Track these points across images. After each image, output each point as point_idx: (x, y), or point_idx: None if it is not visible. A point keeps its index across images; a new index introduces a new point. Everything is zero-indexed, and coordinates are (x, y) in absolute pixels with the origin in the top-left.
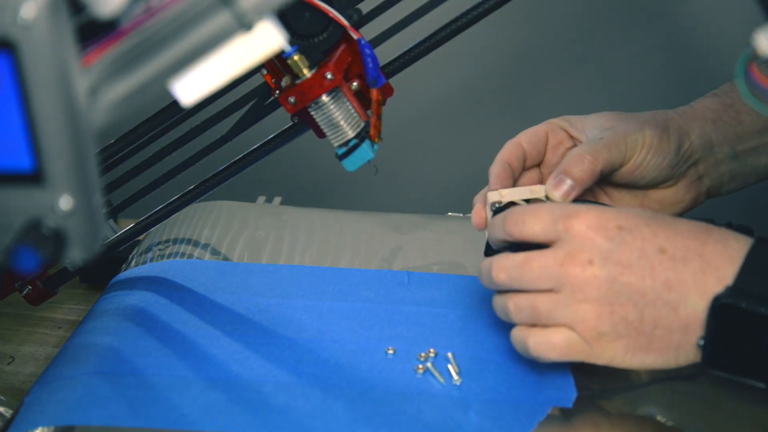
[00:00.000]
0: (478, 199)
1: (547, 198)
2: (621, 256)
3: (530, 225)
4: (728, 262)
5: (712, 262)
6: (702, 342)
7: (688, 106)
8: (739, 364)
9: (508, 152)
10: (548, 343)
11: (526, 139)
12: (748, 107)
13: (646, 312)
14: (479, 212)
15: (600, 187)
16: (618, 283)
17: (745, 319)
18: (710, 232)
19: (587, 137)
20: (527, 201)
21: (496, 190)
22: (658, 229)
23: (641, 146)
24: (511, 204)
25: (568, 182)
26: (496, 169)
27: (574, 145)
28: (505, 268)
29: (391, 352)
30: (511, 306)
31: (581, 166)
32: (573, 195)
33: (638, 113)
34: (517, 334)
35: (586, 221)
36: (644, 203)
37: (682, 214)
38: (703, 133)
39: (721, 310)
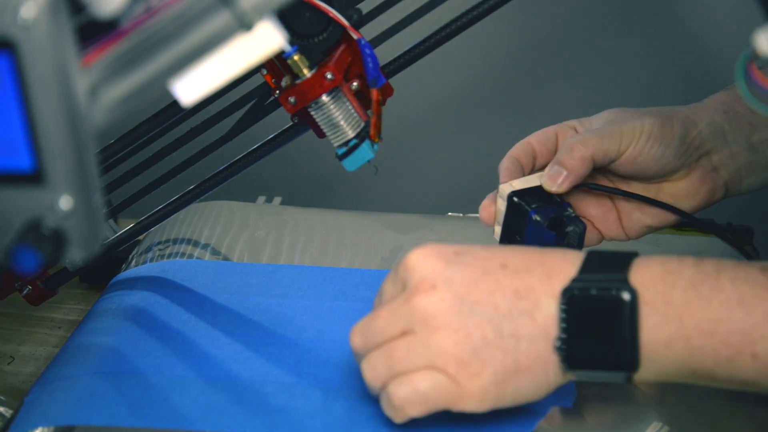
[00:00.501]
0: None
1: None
2: (464, 276)
3: (385, 285)
4: (569, 265)
5: (555, 267)
6: (558, 343)
7: (699, 102)
8: (598, 357)
9: (518, 149)
10: (414, 392)
11: (535, 139)
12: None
13: (503, 326)
14: (487, 207)
15: (610, 180)
16: (467, 302)
17: (597, 306)
18: (547, 250)
19: None
20: (539, 189)
21: (506, 182)
22: (495, 250)
23: (639, 134)
24: (523, 192)
25: (561, 172)
26: (505, 163)
27: None
28: (358, 330)
29: None
30: (366, 368)
31: (571, 153)
32: (567, 184)
33: (645, 108)
34: (382, 400)
35: (422, 252)
36: (659, 197)
37: (699, 208)
38: (712, 122)
39: (572, 301)
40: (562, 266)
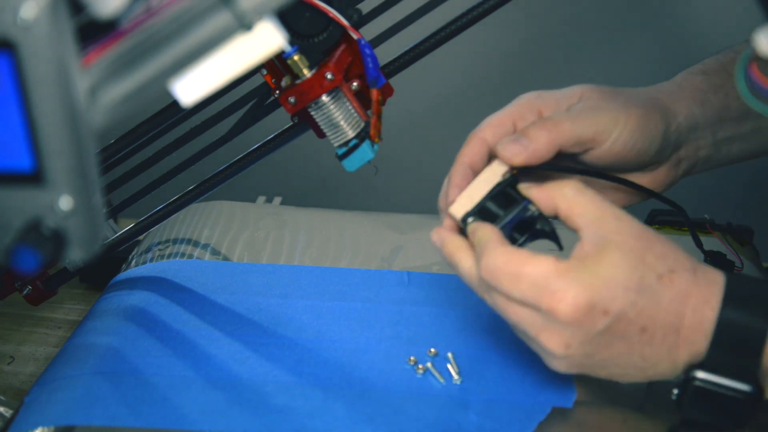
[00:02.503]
0: (441, 209)
1: (509, 176)
2: (602, 339)
3: (511, 291)
4: (702, 337)
5: (688, 337)
6: (674, 398)
7: (673, 82)
8: (710, 420)
9: (471, 152)
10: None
11: (490, 133)
12: (737, 91)
13: (614, 372)
14: (449, 237)
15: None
16: (592, 359)
17: (716, 398)
18: (689, 299)
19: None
20: (494, 194)
21: (455, 201)
22: (642, 308)
23: (623, 126)
24: (483, 209)
25: (521, 142)
26: (456, 178)
27: None
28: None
29: (412, 362)
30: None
31: (539, 131)
32: (522, 158)
33: (621, 89)
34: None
35: (574, 307)
36: (618, 187)
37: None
38: (690, 114)
39: (688, 386)
40: (695, 337)
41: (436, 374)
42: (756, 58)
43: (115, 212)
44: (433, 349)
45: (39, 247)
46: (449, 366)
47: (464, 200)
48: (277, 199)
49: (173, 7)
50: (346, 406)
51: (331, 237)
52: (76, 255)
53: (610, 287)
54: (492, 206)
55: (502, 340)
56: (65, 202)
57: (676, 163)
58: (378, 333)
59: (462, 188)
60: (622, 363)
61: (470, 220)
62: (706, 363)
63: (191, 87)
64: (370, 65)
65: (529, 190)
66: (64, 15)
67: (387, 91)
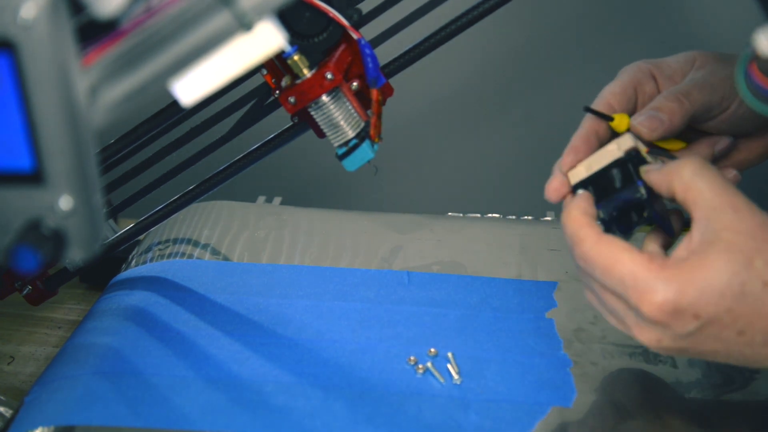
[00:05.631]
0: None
1: (633, 153)
2: (694, 339)
3: (604, 277)
4: None
5: None
6: None
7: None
8: None
9: (591, 121)
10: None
11: (614, 100)
12: (737, 91)
13: (716, 359)
14: (558, 188)
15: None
16: (688, 352)
17: None
18: None
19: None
20: (610, 168)
21: (572, 167)
22: (740, 314)
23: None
24: (595, 182)
25: (658, 117)
26: (576, 140)
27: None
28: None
29: (412, 362)
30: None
31: (671, 104)
32: (659, 132)
33: (729, 54)
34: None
35: (659, 310)
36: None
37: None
38: None
39: None
40: None
41: (436, 374)
42: (756, 58)
43: (115, 212)
44: (433, 349)
45: (39, 247)
46: (449, 366)
47: (582, 168)
48: (277, 199)
49: (173, 7)
50: (346, 406)
51: (331, 237)
52: (76, 255)
53: (704, 293)
54: (605, 181)
55: (502, 340)
56: (65, 202)
57: None
58: (378, 333)
59: (578, 151)
60: (722, 358)
61: (580, 191)
62: None
63: (191, 87)
64: (370, 65)
65: (648, 171)
66: (64, 15)
67: (387, 91)
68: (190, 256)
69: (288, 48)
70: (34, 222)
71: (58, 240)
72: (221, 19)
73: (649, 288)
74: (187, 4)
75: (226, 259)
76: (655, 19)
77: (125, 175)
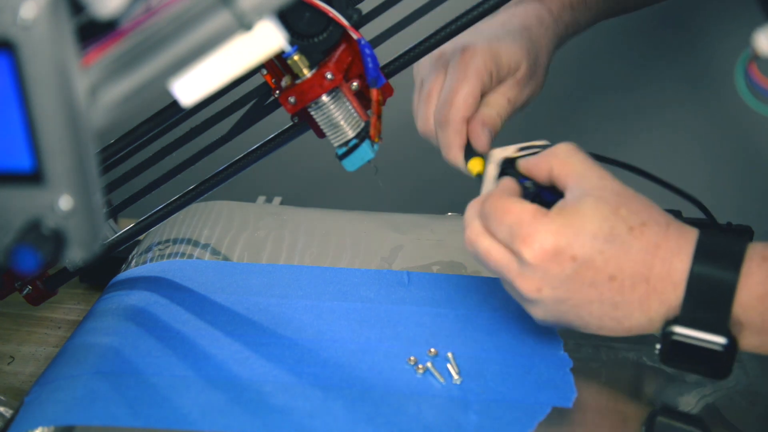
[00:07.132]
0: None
1: (500, 161)
2: (571, 285)
3: (496, 229)
4: (671, 287)
5: (657, 287)
6: (657, 353)
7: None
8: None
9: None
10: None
11: (468, 111)
12: (737, 91)
13: (590, 322)
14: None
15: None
16: (565, 304)
17: (692, 349)
18: (658, 250)
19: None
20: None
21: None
22: (610, 257)
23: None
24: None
25: (488, 131)
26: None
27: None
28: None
29: (412, 362)
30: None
31: (492, 112)
32: (492, 139)
33: (503, 29)
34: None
35: (540, 251)
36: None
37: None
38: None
39: (674, 345)
40: (664, 287)
41: (436, 374)
42: (756, 58)
43: (115, 212)
44: (433, 349)
45: (39, 247)
46: (449, 366)
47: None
48: (277, 199)
49: (173, 7)
50: (346, 406)
51: (331, 237)
52: (76, 255)
53: (579, 235)
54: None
55: (502, 340)
56: (65, 202)
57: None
58: (378, 333)
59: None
60: (596, 312)
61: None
62: (682, 317)
63: (191, 87)
64: (370, 65)
65: (527, 162)
66: (64, 15)
67: (387, 91)
68: (190, 256)
69: (288, 48)
70: (34, 222)
71: (58, 240)
72: (221, 19)
73: (532, 231)
74: (187, 4)
75: (226, 259)
76: (655, 19)
77: (125, 175)
